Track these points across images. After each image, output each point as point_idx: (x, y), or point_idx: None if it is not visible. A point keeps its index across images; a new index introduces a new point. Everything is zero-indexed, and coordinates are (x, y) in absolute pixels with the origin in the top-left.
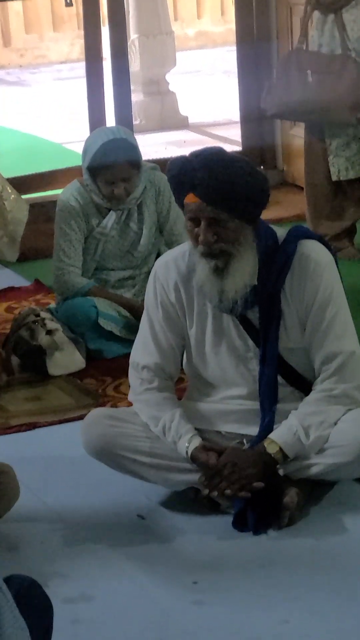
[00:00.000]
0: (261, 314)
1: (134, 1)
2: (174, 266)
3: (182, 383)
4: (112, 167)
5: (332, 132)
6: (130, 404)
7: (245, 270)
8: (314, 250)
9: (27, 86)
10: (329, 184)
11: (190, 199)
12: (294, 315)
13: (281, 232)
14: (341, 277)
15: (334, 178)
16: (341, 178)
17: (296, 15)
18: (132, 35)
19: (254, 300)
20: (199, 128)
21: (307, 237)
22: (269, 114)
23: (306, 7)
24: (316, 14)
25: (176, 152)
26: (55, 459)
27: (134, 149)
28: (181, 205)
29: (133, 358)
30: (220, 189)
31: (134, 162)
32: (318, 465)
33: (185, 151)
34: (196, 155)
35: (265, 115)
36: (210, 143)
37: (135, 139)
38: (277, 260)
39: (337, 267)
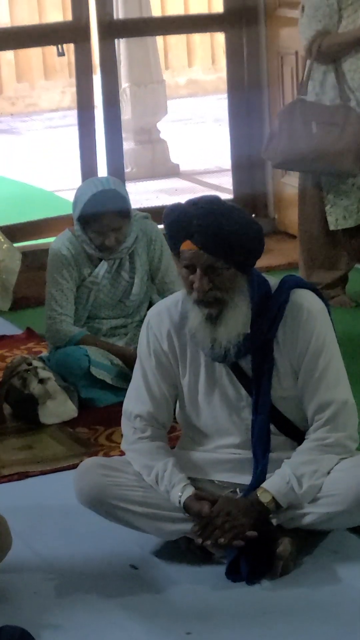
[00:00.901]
0: (254, 363)
1: (125, 50)
2: (166, 315)
3: (174, 431)
4: (102, 217)
5: (329, 181)
6: (122, 453)
7: (238, 319)
8: (306, 299)
9: (19, 134)
10: (324, 233)
11: (187, 246)
12: (286, 364)
13: (274, 281)
14: (334, 326)
15: (332, 227)
16: (339, 227)
17: (287, 64)
18: (124, 83)
19: (246, 348)
20: (190, 176)
21: (299, 286)
22: (274, 163)
23: (306, 58)
24: (314, 64)
25: (167, 200)
26: (48, 509)
27: (123, 199)
28: (176, 252)
29: (126, 407)
30: (217, 236)
31: (124, 212)
32: (311, 514)
33: (177, 199)
34: (193, 203)
35: (272, 165)
36: (201, 191)
37: (125, 189)
38: (269, 309)
39: (330, 315)
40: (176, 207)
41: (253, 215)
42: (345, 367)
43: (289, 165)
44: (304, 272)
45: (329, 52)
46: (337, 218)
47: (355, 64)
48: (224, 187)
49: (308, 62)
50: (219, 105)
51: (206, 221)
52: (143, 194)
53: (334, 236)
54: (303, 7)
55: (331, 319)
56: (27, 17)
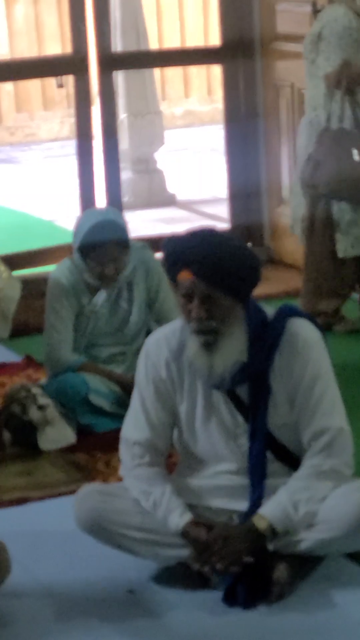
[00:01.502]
0: (250, 391)
1: (123, 81)
2: (165, 343)
3: (172, 458)
4: (101, 247)
5: (341, 209)
6: (121, 479)
7: (234, 347)
8: (302, 328)
9: (18, 164)
10: (331, 261)
11: (185, 275)
12: (282, 392)
13: (270, 310)
14: (329, 354)
15: (341, 255)
16: (347, 255)
17: (283, 96)
18: (122, 114)
19: (243, 376)
20: (186, 205)
21: (295, 315)
22: (322, 191)
23: (331, 85)
24: (320, 93)
25: (164, 229)
26: (46, 534)
27: (122, 229)
28: (174, 282)
29: (124, 434)
30: (214, 266)
31: (123, 242)
32: (307, 540)
33: (174, 229)
34: (191, 233)
35: (317, 192)
36: (197, 220)
37: (124, 220)
38: (266, 337)
39: (326, 344)
40: (174, 238)
41: (249, 244)
42: (351, 394)
43: (334, 193)
44: (309, 300)
45: (353, 81)
46: (346, 247)
47: None
48: (220, 217)
49: (340, 91)
50: (215, 136)
51: (203, 251)
52: (140, 223)
53: (342, 264)
54: (319, 34)
55: (327, 348)
56: (26, 49)
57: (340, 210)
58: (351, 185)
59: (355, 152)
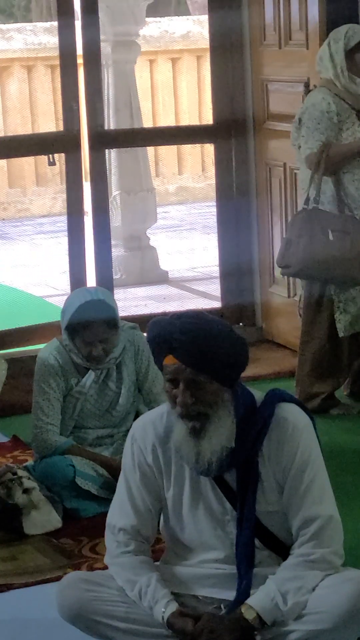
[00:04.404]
0: (238, 477)
1: (116, 159)
2: (151, 428)
3: (159, 544)
4: (89, 328)
5: (339, 288)
6: (106, 566)
7: (222, 433)
8: (291, 414)
9: (9, 239)
10: (329, 341)
11: (170, 360)
12: (271, 479)
13: (259, 394)
14: (319, 440)
15: (342, 334)
16: (347, 334)
17: (275, 175)
18: (114, 191)
19: (231, 462)
20: (178, 283)
21: (284, 400)
22: (293, 271)
23: (311, 168)
24: (303, 174)
25: (156, 307)
26: (30, 622)
27: (111, 309)
28: (160, 366)
29: (110, 520)
30: (199, 352)
31: (112, 322)
32: (296, 632)
33: (165, 307)
34: (177, 317)
35: (286, 273)
36: (190, 298)
37: (113, 300)
38: (254, 423)
39: (315, 430)
40: (159, 322)
41: (240, 323)
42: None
43: (306, 272)
44: (305, 382)
45: (332, 162)
46: (345, 325)
47: (357, 175)
48: (212, 295)
49: (317, 173)
50: (208, 212)
51: (188, 336)
52: (132, 301)
53: (339, 344)
54: (300, 120)
55: (317, 434)
56: (20, 127)
57: (339, 289)
58: (322, 265)
59: (330, 231)
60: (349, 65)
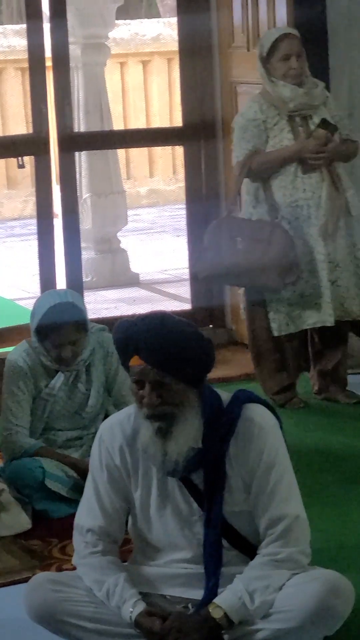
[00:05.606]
0: (205, 477)
1: (86, 161)
2: (119, 429)
3: (127, 544)
4: (58, 330)
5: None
6: (75, 567)
7: (189, 433)
8: (258, 414)
9: None
10: (270, 340)
11: (135, 361)
12: (238, 479)
13: (225, 395)
14: (285, 440)
15: (275, 334)
16: (282, 333)
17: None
18: (85, 194)
19: (198, 463)
20: (149, 285)
21: (251, 400)
22: (201, 277)
23: (238, 175)
24: (247, 181)
25: (126, 310)
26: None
27: (81, 312)
28: (126, 367)
29: (77, 521)
30: (164, 352)
31: (81, 325)
32: (264, 630)
33: (136, 309)
34: (142, 319)
35: (200, 277)
36: (160, 301)
37: (83, 302)
38: (221, 423)
39: (282, 430)
40: (124, 323)
41: (210, 325)
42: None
43: (214, 279)
44: (259, 379)
45: (259, 170)
46: (280, 324)
47: (283, 181)
48: (182, 297)
49: (239, 178)
50: (179, 215)
51: (153, 338)
52: (102, 304)
53: (279, 342)
54: (234, 129)
55: (283, 434)
56: None
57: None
58: (231, 272)
59: (239, 239)
60: (270, 71)
